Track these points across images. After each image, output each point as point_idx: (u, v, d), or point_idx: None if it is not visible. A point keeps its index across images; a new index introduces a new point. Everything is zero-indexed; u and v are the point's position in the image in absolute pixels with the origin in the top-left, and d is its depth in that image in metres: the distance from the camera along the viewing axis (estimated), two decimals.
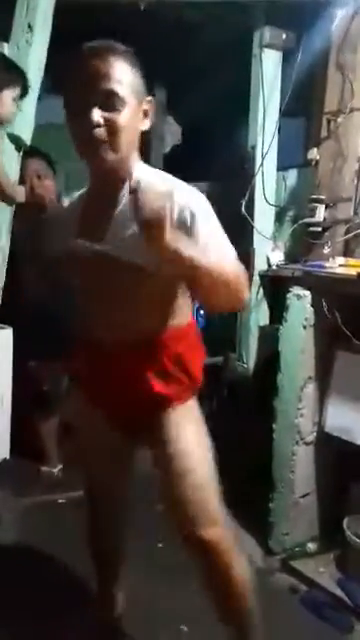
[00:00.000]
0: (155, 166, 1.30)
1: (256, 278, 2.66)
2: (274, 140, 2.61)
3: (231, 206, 2.45)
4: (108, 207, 1.22)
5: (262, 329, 2.73)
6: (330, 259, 2.09)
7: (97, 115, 1.12)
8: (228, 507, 1.34)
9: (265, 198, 2.64)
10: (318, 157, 2.31)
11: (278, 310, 2.19)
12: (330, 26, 2.25)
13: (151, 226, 1.00)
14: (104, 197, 1.23)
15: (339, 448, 2.05)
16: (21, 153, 2.16)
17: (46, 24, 2.06)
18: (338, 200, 2.25)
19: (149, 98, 1.21)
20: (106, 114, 1.12)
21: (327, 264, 2.04)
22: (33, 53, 2.06)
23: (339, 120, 2.21)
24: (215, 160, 3.17)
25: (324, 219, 2.26)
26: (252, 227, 2.63)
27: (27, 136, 2.13)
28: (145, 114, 1.21)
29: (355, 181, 2.24)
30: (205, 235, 1.12)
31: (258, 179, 2.61)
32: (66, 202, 1.39)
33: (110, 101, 1.12)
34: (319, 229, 2.28)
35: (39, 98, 2.12)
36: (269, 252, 2.68)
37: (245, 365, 2.76)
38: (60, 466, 2.71)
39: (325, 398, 2.07)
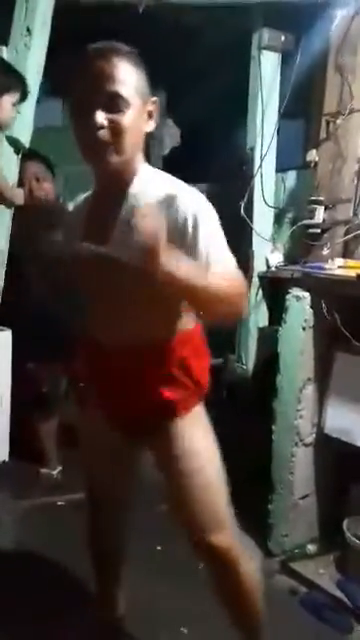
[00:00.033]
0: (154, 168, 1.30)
1: (255, 279, 2.67)
2: (273, 142, 2.62)
3: (230, 208, 2.45)
4: (113, 210, 1.20)
5: (261, 330, 2.73)
6: (329, 260, 2.09)
7: (101, 117, 1.11)
8: None
9: (264, 200, 2.64)
10: (317, 159, 2.31)
11: (277, 311, 2.20)
12: (329, 28, 2.25)
13: (144, 252, 0.98)
14: (109, 200, 1.22)
15: (338, 449, 2.04)
16: (20, 156, 2.17)
17: (45, 27, 2.07)
18: (337, 201, 2.25)
19: (154, 99, 1.20)
20: (110, 116, 1.11)
21: (326, 265, 2.04)
22: (32, 56, 2.06)
23: (338, 122, 2.21)
24: (214, 162, 3.17)
25: (323, 220, 2.26)
26: (251, 229, 2.63)
27: (26, 139, 2.14)
28: (150, 115, 1.20)
29: (354, 182, 2.25)
30: (205, 243, 1.11)
31: (257, 181, 2.62)
32: (71, 206, 1.37)
33: (114, 102, 1.11)
34: (318, 230, 2.28)
35: (38, 101, 2.13)
36: (268, 254, 2.68)
37: (244, 366, 2.76)
38: (59, 468, 2.71)
39: (324, 399, 2.07)
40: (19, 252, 2.23)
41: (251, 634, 1.41)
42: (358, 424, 1.97)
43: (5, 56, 2.05)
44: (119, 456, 1.41)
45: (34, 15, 2.03)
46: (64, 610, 1.80)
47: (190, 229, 1.11)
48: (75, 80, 1.14)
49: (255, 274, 2.65)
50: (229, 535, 1.31)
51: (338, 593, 1.91)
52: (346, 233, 2.22)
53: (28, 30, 2.04)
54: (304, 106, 2.63)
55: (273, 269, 2.65)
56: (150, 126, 1.21)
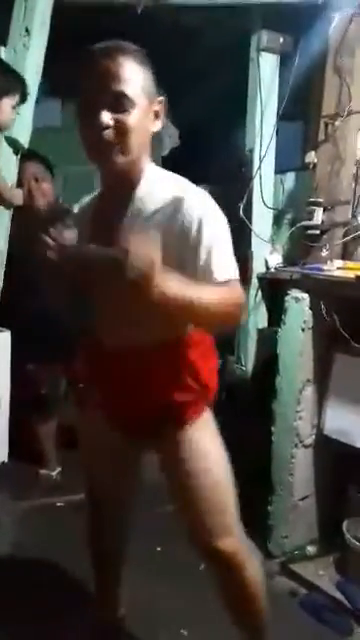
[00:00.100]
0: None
1: (254, 281, 2.67)
2: (272, 143, 2.62)
3: (229, 209, 2.44)
4: (119, 211, 1.19)
5: (260, 332, 2.73)
6: (328, 262, 2.09)
7: (106, 117, 1.09)
8: None
9: (263, 201, 2.64)
10: (316, 160, 2.31)
11: (276, 313, 2.20)
12: (327, 29, 2.26)
13: (136, 277, 0.96)
14: (115, 201, 1.21)
15: (338, 451, 2.04)
16: (19, 156, 2.16)
17: (43, 28, 2.07)
18: (336, 203, 2.25)
19: (160, 98, 1.18)
20: (115, 115, 1.10)
21: (325, 267, 2.04)
22: (30, 57, 2.06)
23: (337, 123, 2.22)
24: (213, 163, 3.17)
25: (322, 222, 2.26)
26: (250, 230, 2.64)
27: (25, 139, 2.14)
28: (156, 115, 1.18)
29: (353, 184, 2.25)
30: (208, 248, 1.10)
31: (256, 182, 2.62)
32: (76, 208, 1.35)
33: (119, 102, 1.10)
34: (317, 232, 2.28)
35: (37, 101, 2.13)
36: (267, 255, 2.68)
37: (244, 368, 2.76)
38: (59, 469, 2.71)
39: (324, 401, 2.07)
40: (18, 253, 2.23)
41: (254, 637, 1.41)
42: (357, 425, 1.97)
43: (4, 56, 2.04)
44: (122, 457, 1.41)
45: (33, 15, 2.03)
46: (63, 611, 1.80)
47: (194, 232, 1.10)
48: (81, 80, 1.13)
49: (254, 275, 2.65)
50: (236, 539, 1.30)
51: (338, 595, 1.91)
52: (345, 234, 2.22)
53: (27, 30, 2.04)
54: (303, 108, 2.63)
55: (272, 270, 2.65)
56: (157, 126, 1.19)
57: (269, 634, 1.41)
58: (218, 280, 1.10)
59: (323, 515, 2.16)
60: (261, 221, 2.67)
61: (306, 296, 2.00)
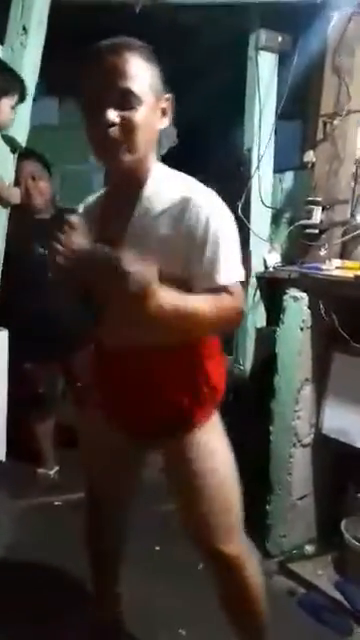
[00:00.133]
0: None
1: (253, 280, 2.66)
2: (270, 142, 2.61)
3: (227, 208, 2.44)
4: (126, 210, 1.18)
5: (259, 331, 2.72)
6: (327, 261, 2.08)
7: (112, 114, 1.08)
8: None
9: (261, 200, 2.64)
10: (314, 159, 2.31)
11: (275, 312, 2.19)
12: (326, 28, 2.25)
13: (134, 293, 0.96)
14: (122, 200, 1.20)
15: (336, 450, 2.05)
16: (16, 155, 2.15)
17: (41, 26, 2.05)
18: (335, 202, 2.25)
19: (167, 95, 1.17)
20: (122, 113, 1.09)
21: (324, 266, 2.04)
22: (28, 55, 2.05)
23: (335, 122, 2.22)
24: (211, 162, 3.16)
25: (321, 221, 2.26)
26: (248, 229, 2.63)
27: (22, 138, 2.12)
28: (163, 112, 1.17)
29: (352, 183, 2.25)
30: (213, 249, 1.10)
31: (254, 181, 2.61)
32: (81, 207, 1.33)
33: (126, 99, 1.08)
34: (316, 231, 2.28)
35: (34, 100, 2.12)
36: (266, 254, 2.68)
37: (242, 367, 2.76)
38: (56, 468, 2.71)
39: (322, 400, 2.07)
40: (15, 252, 2.22)
41: (253, 637, 1.41)
42: (356, 424, 1.98)
43: (1, 55, 2.03)
44: (125, 457, 1.40)
45: (30, 14, 2.01)
46: (61, 610, 1.80)
47: (201, 231, 1.09)
48: (87, 77, 1.11)
49: (253, 274, 2.65)
50: (238, 541, 1.31)
51: (337, 594, 1.91)
52: (343, 234, 2.22)
53: (24, 29, 2.02)
54: (301, 107, 2.62)
55: (271, 269, 2.64)
56: (164, 123, 1.18)
57: (268, 634, 1.41)
58: (222, 281, 1.10)
59: (321, 514, 2.17)
60: (259, 220, 2.67)
61: (305, 295, 2.00)
